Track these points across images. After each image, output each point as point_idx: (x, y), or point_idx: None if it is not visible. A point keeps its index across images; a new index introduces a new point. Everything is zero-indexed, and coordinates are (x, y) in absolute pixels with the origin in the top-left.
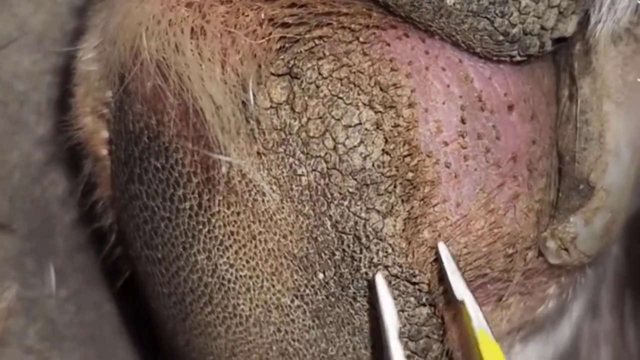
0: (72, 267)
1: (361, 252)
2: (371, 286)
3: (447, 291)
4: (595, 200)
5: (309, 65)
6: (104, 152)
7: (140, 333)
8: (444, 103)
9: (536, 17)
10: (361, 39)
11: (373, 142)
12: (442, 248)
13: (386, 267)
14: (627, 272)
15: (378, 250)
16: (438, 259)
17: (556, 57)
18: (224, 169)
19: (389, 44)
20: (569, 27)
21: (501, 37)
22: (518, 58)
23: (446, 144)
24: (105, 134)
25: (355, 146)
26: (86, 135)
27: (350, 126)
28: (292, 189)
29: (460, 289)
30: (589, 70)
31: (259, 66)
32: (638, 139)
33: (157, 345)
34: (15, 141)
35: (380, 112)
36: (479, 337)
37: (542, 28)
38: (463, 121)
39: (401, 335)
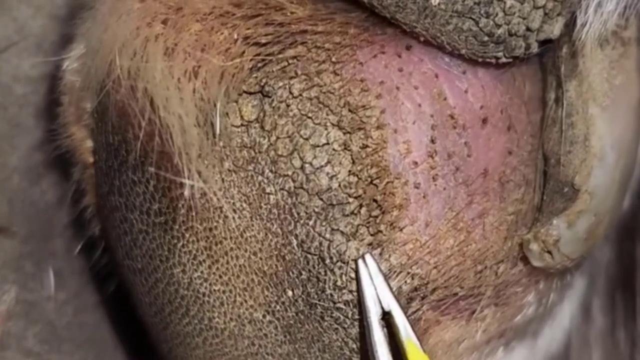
0: (70, 269)
1: (325, 274)
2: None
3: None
4: (579, 203)
5: (281, 84)
6: (91, 160)
7: (139, 335)
8: (414, 123)
9: (521, 18)
10: (334, 59)
11: (340, 163)
12: (369, 260)
13: (350, 291)
14: (618, 275)
15: (342, 274)
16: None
17: (543, 59)
18: (190, 190)
19: (362, 63)
20: (555, 29)
21: (486, 38)
22: (504, 59)
23: (416, 164)
24: (90, 142)
25: (322, 166)
26: (74, 143)
27: (318, 146)
28: (261, 207)
29: (387, 299)
30: (576, 73)
31: (230, 86)
32: (623, 142)
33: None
34: (14, 144)
35: (348, 132)
36: (407, 348)
37: (528, 29)
38: (433, 141)
39: None
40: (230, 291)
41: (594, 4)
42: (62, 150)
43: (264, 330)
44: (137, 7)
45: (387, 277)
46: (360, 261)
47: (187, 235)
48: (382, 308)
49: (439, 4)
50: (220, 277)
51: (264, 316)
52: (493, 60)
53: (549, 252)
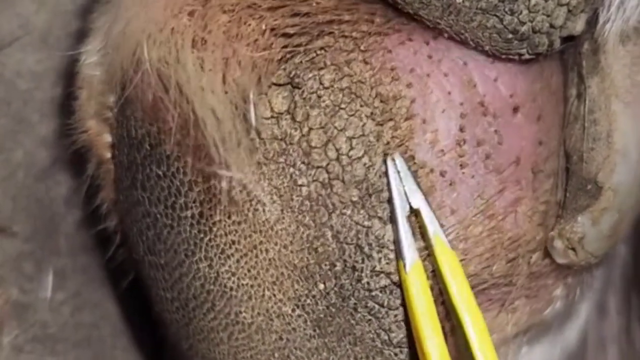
0: (73, 267)
1: (363, 262)
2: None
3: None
4: (603, 201)
5: (310, 75)
6: (108, 155)
7: (141, 335)
8: (443, 112)
9: (545, 15)
10: (362, 47)
11: (375, 153)
12: (398, 159)
13: (388, 274)
14: (634, 274)
15: (380, 257)
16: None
17: (564, 56)
18: (224, 181)
19: (390, 51)
20: (578, 25)
21: (510, 35)
22: (527, 56)
23: (443, 152)
24: (108, 137)
25: (359, 157)
26: (90, 138)
27: (354, 137)
28: (292, 199)
29: (415, 197)
30: (597, 69)
31: (260, 77)
32: None
33: (158, 347)
34: (18, 140)
35: (380, 124)
36: (435, 243)
37: (551, 26)
38: (462, 129)
39: None
40: (259, 285)
41: (616, 1)
42: (71, 147)
43: (292, 324)
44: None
45: (415, 176)
46: (389, 160)
47: (214, 229)
48: (410, 205)
49: (463, 1)
50: (249, 271)
51: (293, 310)
52: (516, 57)
53: (573, 249)
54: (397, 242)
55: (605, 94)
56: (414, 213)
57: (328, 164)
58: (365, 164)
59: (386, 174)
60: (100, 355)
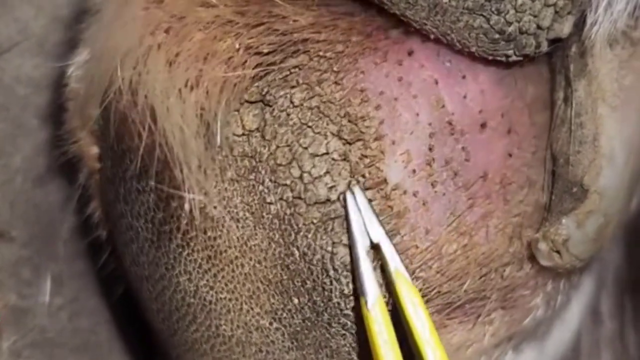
0: (70, 273)
1: (332, 284)
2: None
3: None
4: (588, 203)
5: (282, 93)
6: (97, 166)
7: (138, 340)
8: (411, 133)
9: (532, 16)
10: (335, 68)
11: (339, 173)
12: (358, 192)
13: (357, 298)
14: (627, 278)
15: (348, 282)
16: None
17: (552, 59)
18: (186, 206)
19: (363, 72)
20: (565, 27)
21: (497, 35)
22: (514, 58)
23: (414, 172)
24: (96, 149)
25: (320, 176)
26: (80, 149)
27: (317, 155)
28: (263, 217)
29: (375, 232)
30: (585, 72)
31: (231, 95)
32: (633, 143)
33: (154, 352)
34: (17, 145)
35: (348, 143)
36: (395, 278)
37: (538, 27)
38: (431, 149)
39: None
40: (237, 299)
41: (604, 4)
42: (67, 155)
43: (271, 337)
44: (141, 15)
45: (375, 210)
46: (348, 193)
47: (192, 244)
48: (371, 240)
49: (449, 0)
50: (226, 285)
51: (270, 323)
52: (503, 59)
53: (558, 252)
54: (358, 278)
55: (592, 98)
56: (374, 248)
57: (292, 182)
58: (326, 184)
59: (345, 208)
60: None
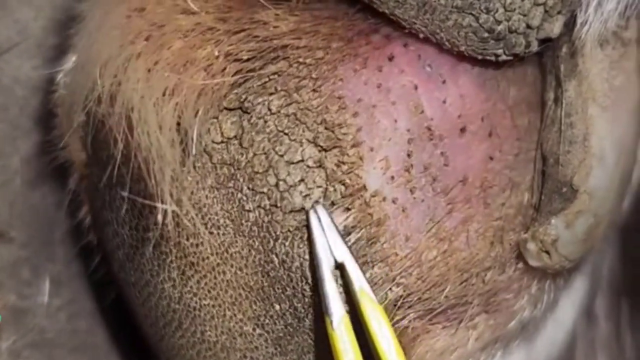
0: (68, 274)
1: (312, 291)
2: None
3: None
4: (578, 204)
5: (260, 100)
6: (86, 171)
7: (136, 341)
8: (389, 140)
9: (522, 15)
10: (314, 75)
11: (314, 181)
12: (321, 211)
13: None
14: (623, 279)
15: None
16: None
17: (542, 59)
18: (159, 216)
19: (342, 79)
20: (555, 27)
21: (486, 34)
22: (504, 57)
23: (393, 179)
24: (84, 155)
25: (295, 184)
26: (70, 154)
27: (292, 162)
28: (242, 224)
29: (340, 251)
30: (575, 73)
31: (209, 103)
32: (623, 143)
33: (149, 354)
34: (16, 146)
35: (324, 150)
36: (360, 297)
37: (528, 26)
38: (409, 155)
39: None
40: (220, 305)
41: (594, 3)
42: (59, 160)
43: (254, 343)
44: (122, 23)
45: (339, 229)
46: (311, 212)
47: (174, 251)
48: (335, 260)
49: None
50: (209, 291)
51: (253, 329)
52: (493, 58)
53: (547, 252)
54: (323, 297)
55: (583, 98)
56: (339, 267)
57: (269, 190)
58: (301, 192)
59: (308, 227)
60: None
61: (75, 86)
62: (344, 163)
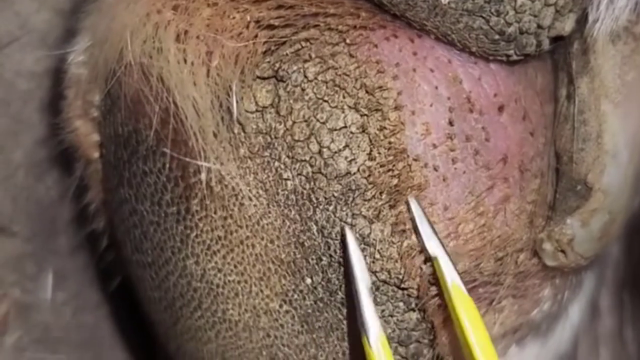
0: (72, 268)
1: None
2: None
3: (437, 296)
4: (593, 202)
5: (295, 68)
6: (96, 154)
7: (141, 334)
8: (431, 105)
9: (532, 16)
10: (348, 41)
11: (358, 146)
12: (413, 204)
13: (374, 272)
14: (627, 274)
15: (365, 256)
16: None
17: (554, 56)
18: (203, 174)
19: (376, 45)
20: (566, 25)
21: (497, 36)
22: (515, 57)
23: (434, 146)
24: (96, 137)
25: (340, 150)
26: (77, 138)
27: (335, 129)
28: (278, 194)
29: (432, 245)
30: (587, 69)
31: (244, 70)
32: (636, 139)
33: (155, 349)
34: (18, 140)
35: (365, 115)
36: (452, 291)
37: (539, 27)
38: (451, 123)
39: (391, 339)
40: (246, 281)
41: (605, 0)
42: (65, 146)
43: (280, 320)
44: None
45: (431, 223)
46: (347, 229)
47: (200, 225)
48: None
49: (449, 2)
50: (235, 267)
51: (280, 306)
52: (504, 59)
53: (563, 252)
54: (359, 315)
55: (595, 94)
56: (431, 261)
57: (311, 157)
58: (346, 157)
59: (344, 246)
60: (101, 355)
61: (97, 61)
62: (385, 127)
